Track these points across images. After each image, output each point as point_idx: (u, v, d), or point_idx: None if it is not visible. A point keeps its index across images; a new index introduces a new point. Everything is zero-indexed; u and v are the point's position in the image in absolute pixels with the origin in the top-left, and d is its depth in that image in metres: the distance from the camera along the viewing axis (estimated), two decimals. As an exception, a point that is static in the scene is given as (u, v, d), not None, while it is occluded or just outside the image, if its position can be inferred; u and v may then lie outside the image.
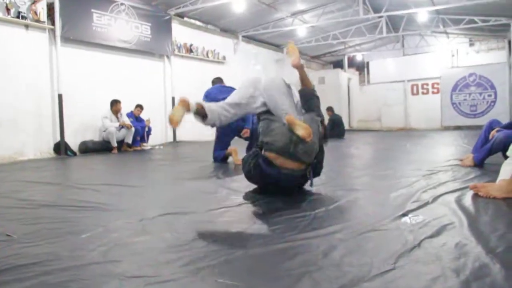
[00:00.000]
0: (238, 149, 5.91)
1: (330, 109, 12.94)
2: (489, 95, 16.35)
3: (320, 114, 3.45)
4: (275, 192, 3.24)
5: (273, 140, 3.07)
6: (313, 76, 18.18)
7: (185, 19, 12.39)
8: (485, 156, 4.57)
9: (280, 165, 3.03)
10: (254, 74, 14.99)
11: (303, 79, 3.68)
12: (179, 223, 2.50)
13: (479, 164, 4.56)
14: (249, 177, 3.35)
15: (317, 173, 3.36)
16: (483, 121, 13.47)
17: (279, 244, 2.00)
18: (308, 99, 3.52)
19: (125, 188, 3.93)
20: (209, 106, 3.47)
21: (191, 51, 12.32)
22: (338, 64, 20.71)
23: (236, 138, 6.27)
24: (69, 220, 2.62)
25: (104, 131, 8.93)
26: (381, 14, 13.41)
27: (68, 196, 3.53)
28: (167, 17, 11.28)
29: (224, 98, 6.01)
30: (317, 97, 3.62)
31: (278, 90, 3.42)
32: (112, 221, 2.53)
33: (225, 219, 2.57)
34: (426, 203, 2.76)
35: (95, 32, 9.19)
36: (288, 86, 3.56)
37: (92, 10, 9.10)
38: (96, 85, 9.34)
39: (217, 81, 6.75)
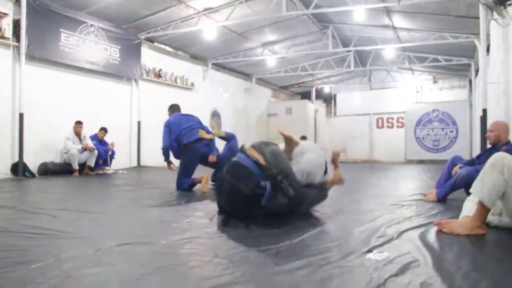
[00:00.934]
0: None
1: (304, 138, 13.00)
2: (451, 131, 16.82)
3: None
4: (235, 208, 3.42)
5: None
6: (281, 106, 18.32)
7: (155, 44, 12.35)
8: (448, 191, 4.63)
9: (248, 152, 3.48)
10: (222, 102, 15.04)
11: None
12: (137, 254, 2.39)
13: (442, 199, 4.62)
14: (218, 186, 3.72)
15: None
16: (446, 156, 13.83)
17: (240, 280, 1.91)
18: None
19: (83, 214, 3.77)
20: None
21: (159, 76, 12.26)
22: (306, 95, 20.98)
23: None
24: (20, 248, 2.47)
25: (66, 153, 8.72)
26: (350, 48, 13.76)
27: (21, 222, 3.35)
28: (137, 41, 11.23)
29: (189, 127, 5.98)
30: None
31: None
32: (66, 250, 2.40)
33: (185, 251, 2.47)
34: (391, 239, 2.73)
35: (62, 52, 9.04)
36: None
37: (61, 29, 8.97)
38: (60, 106, 9.13)
39: (175, 108, 6.56)
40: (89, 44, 9.73)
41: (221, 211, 3.68)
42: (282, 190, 3.35)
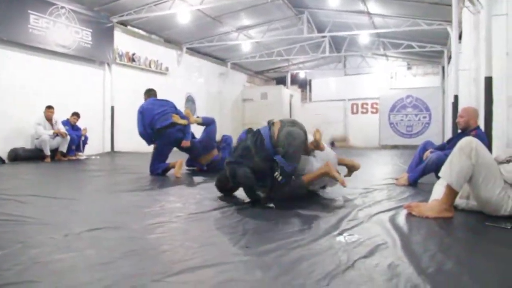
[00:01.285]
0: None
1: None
2: (424, 117, 17.09)
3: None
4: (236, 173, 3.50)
5: None
6: (256, 91, 18.30)
7: (129, 27, 12.13)
8: (419, 176, 4.73)
9: (273, 125, 3.67)
10: (197, 87, 14.91)
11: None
12: (107, 239, 2.37)
13: (413, 183, 4.71)
14: (235, 148, 3.80)
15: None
16: (419, 141, 13.99)
17: (210, 263, 1.92)
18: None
19: (53, 200, 3.71)
20: None
21: (133, 60, 12.08)
22: (281, 81, 20.98)
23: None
24: (-14, 235, 2.42)
25: (37, 138, 8.52)
26: (325, 34, 13.76)
27: (-12, 208, 3.28)
28: (110, 24, 11.01)
29: (162, 112, 5.91)
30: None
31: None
32: (33, 236, 2.36)
33: (156, 236, 2.45)
34: (361, 222, 2.77)
35: (32, 35, 8.80)
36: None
37: (29, 11, 8.71)
38: (30, 90, 8.90)
39: (151, 93, 6.43)
40: (59, 27, 9.49)
41: (217, 182, 3.90)
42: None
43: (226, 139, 6.65)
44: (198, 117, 6.33)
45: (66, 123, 9.16)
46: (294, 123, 3.71)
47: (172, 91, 12.01)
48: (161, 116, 5.84)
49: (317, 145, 3.81)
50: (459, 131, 4.89)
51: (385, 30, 12.79)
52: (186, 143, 5.95)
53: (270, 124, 3.72)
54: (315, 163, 3.80)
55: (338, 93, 19.33)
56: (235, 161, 3.58)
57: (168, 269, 1.82)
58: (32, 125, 8.57)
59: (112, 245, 2.24)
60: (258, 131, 3.71)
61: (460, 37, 9.43)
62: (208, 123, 6.24)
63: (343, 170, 4.28)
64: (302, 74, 20.84)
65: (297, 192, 3.68)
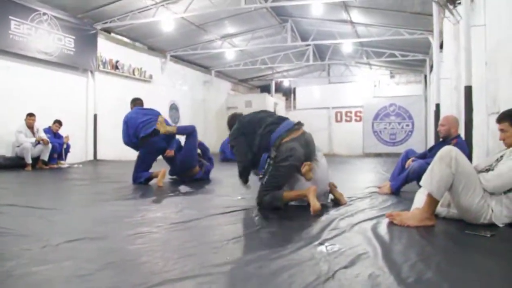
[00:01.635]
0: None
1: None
2: (407, 125, 17.22)
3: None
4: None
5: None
6: (240, 99, 18.31)
7: (112, 34, 12.07)
8: (401, 184, 4.74)
9: (296, 129, 3.85)
10: (181, 94, 14.86)
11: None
12: (85, 250, 2.33)
13: (395, 192, 4.71)
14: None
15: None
16: (402, 149, 14.07)
17: (190, 274, 1.89)
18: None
19: (32, 210, 3.64)
20: None
21: (116, 67, 12.00)
22: (265, 89, 21.03)
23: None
24: (-40, 247, 2.36)
25: (18, 146, 8.39)
26: (309, 42, 13.86)
27: (-36, 218, 3.21)
28: (93, 31, 10.93)
29: (146, 121, 5.85)
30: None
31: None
32: (9, 248, 2.31)
33: (136, 246, 2.42)
34: (343, 232, 2.76)
35: (13, 41, 8.70)
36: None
37: (10, 17, 8.62)
38: (11, 97, 8.79)
39: (137, 103, 6.35)
40: (41, 33, 9.39)
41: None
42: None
43: (204, 150, 6.67)
44: (173, 125, 6.25)
45: (48, 131, 9.04)
46: (307, 144, 3.78)
47: (156, 99, 11.96)
48: (145, 124, 5.79)
49: (306, 175, 3.74)
50: (441, 139, 4.94)
51: (368, 39, 12.93)
52: (170, 152, 5.92)
53: (295, 126, 3.82)
54: (307, 184, 3.75)
55: (322, 101, 19.40)
56: (243, 131, 3.93)
57: (147, 281, 1.80)
58: (13, 132, 8.43)
59: (90, 256, 2.20)
60: (282, 119, 3.89)
61: (441, 46, 9.55)
62: (187, 133, 6.07)
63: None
64: (286, 82, 20.93)
65: (273, 203, 3.61)
